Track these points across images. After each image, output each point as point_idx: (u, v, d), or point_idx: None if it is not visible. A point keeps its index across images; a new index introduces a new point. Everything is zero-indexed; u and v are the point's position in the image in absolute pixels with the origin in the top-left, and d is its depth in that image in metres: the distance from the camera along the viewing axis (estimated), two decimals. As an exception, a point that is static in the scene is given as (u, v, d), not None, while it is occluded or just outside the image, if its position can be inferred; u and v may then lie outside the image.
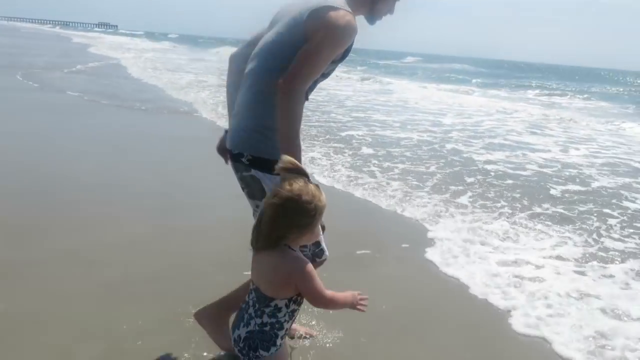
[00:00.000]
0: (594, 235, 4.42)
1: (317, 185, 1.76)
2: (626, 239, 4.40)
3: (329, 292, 1.81)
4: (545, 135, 10.58)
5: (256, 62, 2.15)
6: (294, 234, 1.75)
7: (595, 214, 5.05)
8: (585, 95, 24.92)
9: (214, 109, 9.77)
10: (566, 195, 5.75)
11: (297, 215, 1.72)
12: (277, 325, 1.83)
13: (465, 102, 17.13)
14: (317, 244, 2.25)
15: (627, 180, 6.79)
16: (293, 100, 1.97)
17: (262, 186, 2.14)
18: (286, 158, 1.75)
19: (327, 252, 2.32)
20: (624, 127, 12.89)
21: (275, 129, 2.05)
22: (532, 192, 5.75)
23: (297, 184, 1.71)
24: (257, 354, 1.83)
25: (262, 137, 2.11)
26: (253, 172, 2.14)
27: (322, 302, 1.82)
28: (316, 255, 2.28)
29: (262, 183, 2.14)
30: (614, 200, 5.64)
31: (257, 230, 1.77)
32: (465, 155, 7.63)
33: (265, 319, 1.82)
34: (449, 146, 8.24)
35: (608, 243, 4.28)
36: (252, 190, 2.20)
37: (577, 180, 6.55)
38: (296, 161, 1.76)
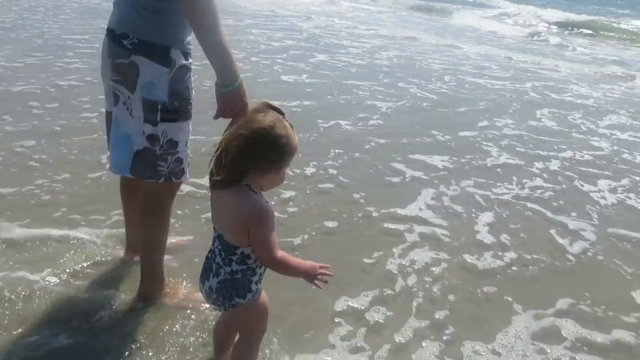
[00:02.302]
0: None
1: (291, 125, 1.66)
2: None
3: (280, 252, 1.70)
4: None
5: None
6: (259, 169, 1.63)
7: None
8: None
9: None
10: None
11: (266, 148, 1.59)
12: (248, 272, 1.75)
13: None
14: (179, 161, 2.14)
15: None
16: None
17: (137, 77, 1.98)
18: (263, 101, 1.67)
19: (188, 174, 2.22)
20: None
21: (170, 11, 1.96)
22: None
23: (271, 116, 1.61)
24: (234, 302, 1.77)
25: (155, 17, 1.97)
26: (134, 58, 1.97)
27: (271, 260, 1.69)
28: (174, 174, 2.16)
29: (139, 72, 1.97)
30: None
31: (218, 162, 1.63)
32: None
33: (235, 266, 1.74)
34: None
35: None
36: (127, 81, 2.01)
37: None
38: (271, 102, 1.66)
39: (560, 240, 3.44)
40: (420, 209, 3.65)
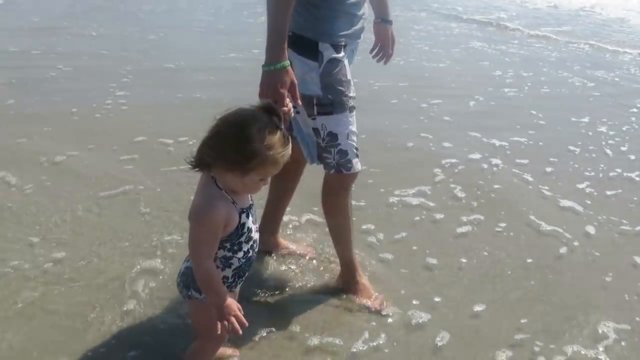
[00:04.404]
0: None
1: (285, 137, 1.53)
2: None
3: (209, 264, 1.57)
4: None
5: None
6: (218, 165, 1.52)
7: None
8: None
9: None
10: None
11: (229, 147, 1.47)
12: None
13: None
14: (343, 153, 2.13)
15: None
16: None
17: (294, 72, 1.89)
18: (265, 101, 1.62)
19: (358, 166, 2.20)
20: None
21: (318, 4, 1.98)
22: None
23: (253, 117, 1.49)
24: (190, 293, 1.70)
25: (304, 10, 1.98)
26: (289, 52, 1.89)
27: (193, 260, 1.60)
28: (341, 166, 2.16)
29: (294, 67, 1.90)
30: None
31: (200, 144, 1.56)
32: None
33: None
34: None
35: None
36: None
37: None
38: (273, 105, 1.57)
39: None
40: None
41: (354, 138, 2.17)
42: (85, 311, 2.22)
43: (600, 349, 2.28)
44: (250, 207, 1.68)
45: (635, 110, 5.74)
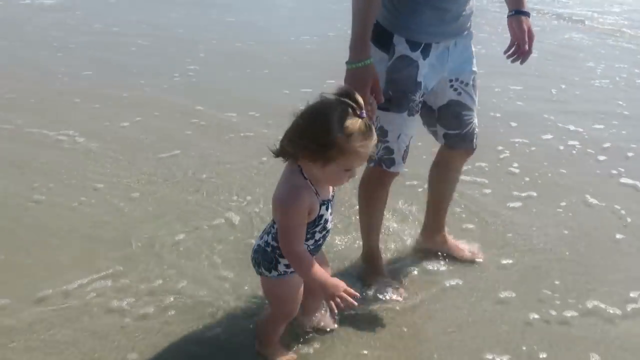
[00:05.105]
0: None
1: (367, 126, 1.48)
2: None
3: (299, 249, 1.58)
4: None
5: None
6: (303, 156, 1.53)
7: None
8: None
9: None
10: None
11: (308, 137, 1.48)
12: (278, 251, 1.69)
13: None
14: (389, 150, 2.09)
15: None
16: None
17: None
18: (345, 86, 1.58)
19: (400, 168, 2.18)
20: None
21: None
22: None
23: (333, 106, 1.47)
24: (260, 270, 1.77)
25: (387, 1, 1.93)
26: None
27: (285, 249, 1.61)
28: (382, 161, 2.13)
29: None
30: None
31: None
32: None
33: (269, 239, 1.72)
34: None
35: None
36: None
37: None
38: (352, 91, 1.51)
39: None
40: None
41: (406, 140, 2.11)
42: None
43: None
44: (331, 199, 1.69)
45: None
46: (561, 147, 4.14)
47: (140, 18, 7.57)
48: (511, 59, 2.18)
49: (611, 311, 2.41)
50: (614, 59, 6.99)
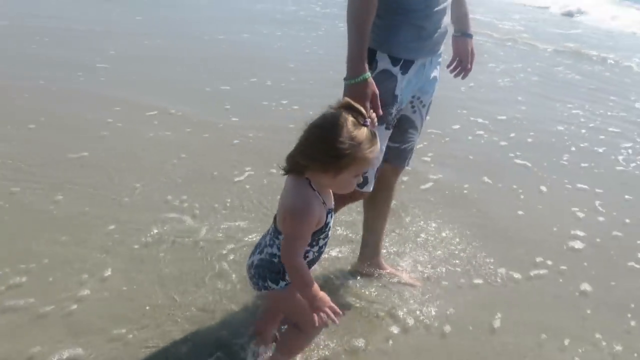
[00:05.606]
0: None
1: (373, 133, 1.56)
2: None
3: (301, 259, 1.63)
4: None
5: None
6: (314, 168, 1.58)
7: None
8: None
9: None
10: None
11: (321, 150, 1.54)
12: None
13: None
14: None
15: None
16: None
17: None
18: (345, 99, 1.62)
19: (371, 187, 2.17)
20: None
21: (379, 14, 1.91)
22: None
23: (339, 118, 1.53)
24: (266, 284, 1.75)
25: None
26: None
27: (286, 257, 1.64)
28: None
29: None
30: None
31: (290, 152, 1.63)
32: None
33: (275, 250, 1.72)
34: None
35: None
36: None
37: None
38: (353, 103, 1.58)
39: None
40: None
41: (380, 157, 2.14)
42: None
43: None
44: (332, 207, 1.74)
45: None
46: (470, 138, 4.50)
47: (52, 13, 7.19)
48: (454, 73, 2.37)
49: (516, 276, 2.71)
50: (512, 60, 7.67)
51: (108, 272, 2.38)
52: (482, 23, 9.80)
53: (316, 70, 5.83)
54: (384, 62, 1.98)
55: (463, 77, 2.38)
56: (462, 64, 2.33)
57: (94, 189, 3.07)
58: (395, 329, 2.25)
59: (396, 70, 2.00)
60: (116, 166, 3.34)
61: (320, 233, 1.69)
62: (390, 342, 2.18)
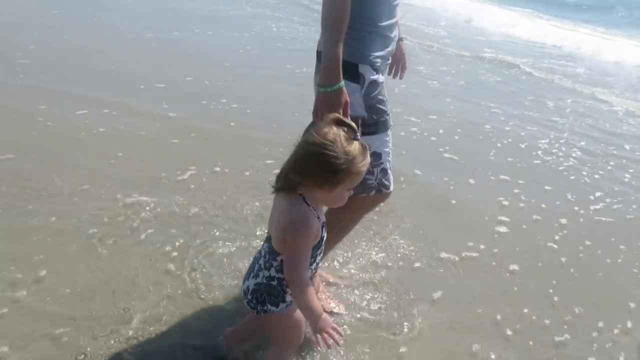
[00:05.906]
0: None
1: (364, 146, 1.58)
2: None
3: (305, 277, 1.61)
4: None
5: None
6: (309, 185, 1.59)
7: None
8: None
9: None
10: None
11: (315, 166, 1.54)
12: (284, 282, 1.69)
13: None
14: (385, 171, 2.16)
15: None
16: None
17: None
18: (333, 114, 1.62)
19: (392, 186, 2.23)
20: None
21: (353, 26, 1.93)
22: None
23: (332, 134, 1.53)
24: (265, 308, 1.73)
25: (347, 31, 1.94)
26: None
27: (290, 275, 1.62)
28: (382, 185, 2.18)
29: None
30: None
31: (281, 169, 1.63)
32: None
33: (273, 272, 1.70)
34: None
35: None
36: None
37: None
38: (343, 118, 1.60)
39: None
40: None
41: (391, 157, 2.21)
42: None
43: None
44: (325, 220, 1.75)
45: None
46: (402, 134, 4.71)
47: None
48: (391, 74, 2.49)
49: (453, 258, 2.91)
50: (438, 64, 8.07)
51: (43, 273, 2.31)
52: (406, 27, 10.25)
53: (252, 68, 5.88)
54: (368, 74, 2.05)
55: (401, 77, 2.53)
56: (398, 64, 2.50)
57: (30, 190, 2.97)
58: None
59: (379, 77, 2.10)
60: (52, 165, 3.21)
61: (317, 248, 1.70)
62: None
